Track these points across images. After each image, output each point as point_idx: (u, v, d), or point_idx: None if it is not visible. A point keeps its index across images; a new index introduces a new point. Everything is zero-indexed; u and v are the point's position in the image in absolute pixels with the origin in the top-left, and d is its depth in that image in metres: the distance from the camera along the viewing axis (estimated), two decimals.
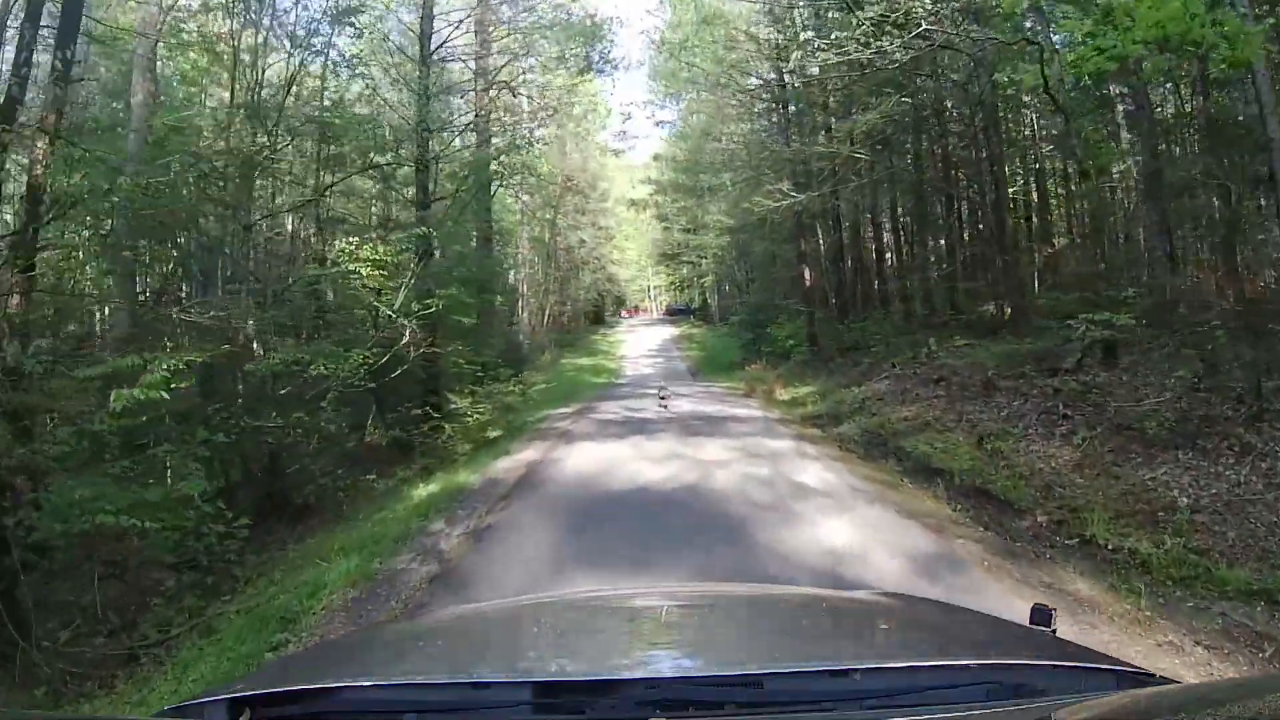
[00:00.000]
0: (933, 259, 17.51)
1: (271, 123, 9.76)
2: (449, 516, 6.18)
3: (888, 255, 19.80)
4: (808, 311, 16.97)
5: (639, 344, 35.09)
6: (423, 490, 7.75)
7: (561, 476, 7.16)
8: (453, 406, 10.92)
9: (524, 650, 1.40)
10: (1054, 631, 1.35)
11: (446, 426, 10.92)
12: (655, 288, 53.64)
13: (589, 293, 39.44)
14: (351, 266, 8.11)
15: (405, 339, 8.75)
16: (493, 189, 19.66)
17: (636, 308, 54.82)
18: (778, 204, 12.07)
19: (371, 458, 11.27)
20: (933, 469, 7.79)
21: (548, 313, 35.36)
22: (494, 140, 18.40)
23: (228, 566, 6.74)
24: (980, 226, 16.89)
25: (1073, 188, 18.32)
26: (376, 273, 8.31)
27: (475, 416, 10.97)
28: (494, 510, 6.15)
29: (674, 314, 46.42)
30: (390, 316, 8.46)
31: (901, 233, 20.22)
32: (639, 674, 1.08)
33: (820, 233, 17.10)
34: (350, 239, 8.40)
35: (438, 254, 17.49)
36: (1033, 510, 6.35)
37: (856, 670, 1.00)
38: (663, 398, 12.60)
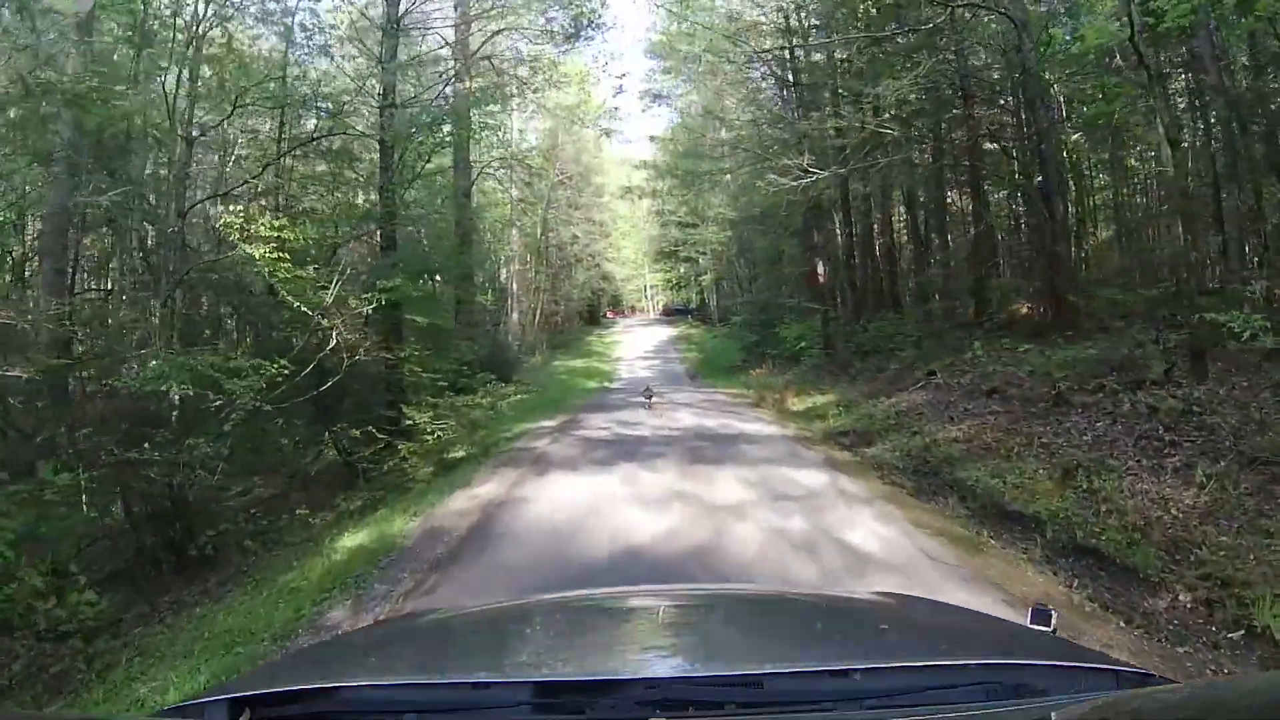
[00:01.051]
0: (961, 253, 15.76)
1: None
2: (356, 598, 4.35)
3: (905, 248, 18.05)
4: (821, 310, 15.14)
5: (635, 345, 33.32)
6: (348, 541, 5.92)
7: (524, 530, 5.32)
8: (410, 422, 9.08)
9: (524, 650, 1.41)
10: (1054, 631, 1.34)
11: (402, 446, 9.09)
12: (652, 287, 51.88)
13: (582, 291, 37.60)
14: (253, 250, 6.20)
15: (334, 343, 6.92)
16: (474, 174, 17.83)
17: (633, 308, 53.05)
18: (795, 182, 10.25)
19: (325, 482, 9.46)
20: (1010, 513, 6.02)
21: (538, 312, 33.54)
22: (474, 117, 16.57)
23: (76, 650, 4.93)
24: (1020, 214, 15.16)
25: (1101, 177, 16.73)
26: (284, 258, 6.41)
27: (435, 434, 9.13)
28: (420, 589, 4.33)
29: (671, 314, 45.07)
30: (309, 314, 6.63)
31: (922, 223, 18.47)
32: (639, 674, 1.08)
33: (836, 222, 15.24)
34: (238, 210, 6.49)
35: (434, 244, 15.83)
36: (1167, 582, 4.56)
37: (856, 670, 0.99)
38: (649, 398, 11.75)
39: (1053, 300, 12.22)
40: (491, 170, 19.37)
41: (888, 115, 11.23)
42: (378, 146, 13.08)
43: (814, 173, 10.22)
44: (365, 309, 7.56)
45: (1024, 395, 8.67)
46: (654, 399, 12.24)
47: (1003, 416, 8.44)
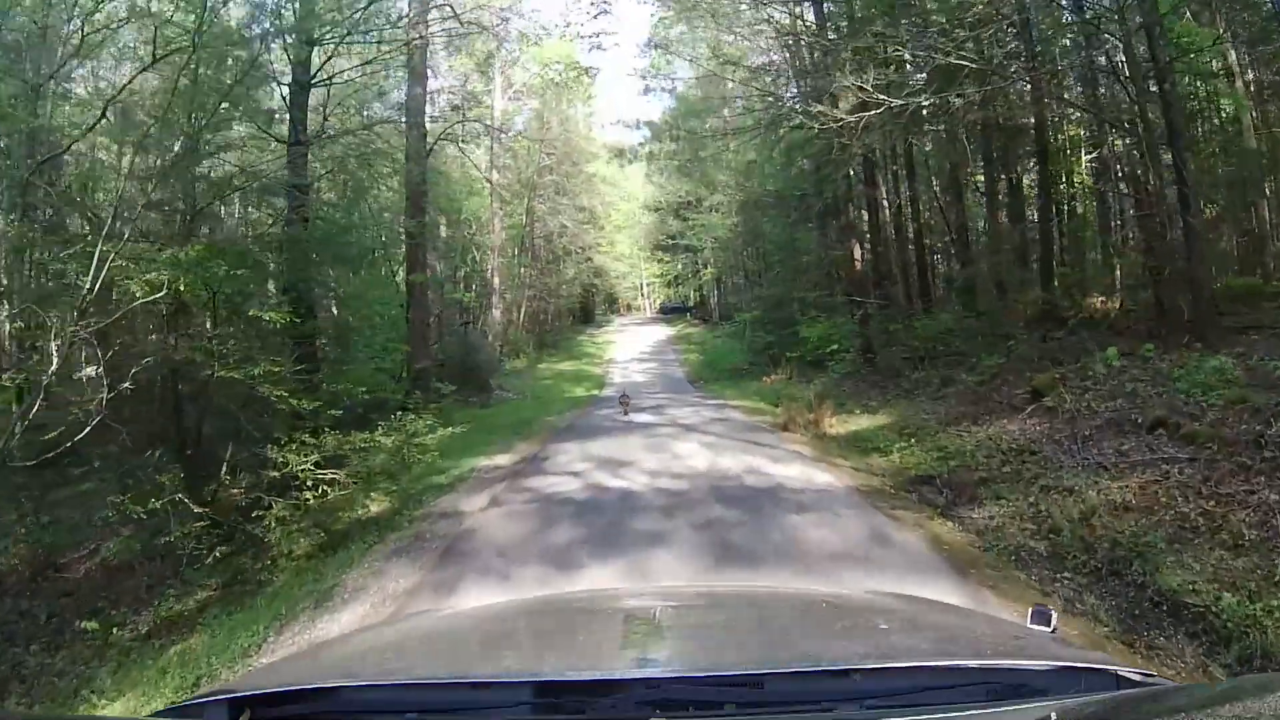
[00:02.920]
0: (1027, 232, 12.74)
1: None
2: None
3: (932, 229, 15.01)
4: (858, 304, 12.02)
5: (630, 346, 30.29)
6: None
7: None
8: (276, 472, 6.04)
9: (524, 650, 1.38)
10: (1054, 631, 1.33)
11: (274, 508, 6.04)
12: (649, 284, 48.88)
13: (572, 286, 34.50)
14: None
15: (55, 365, 3.91)
16: (432, 139, 14.72)
17: (629, 306, 50.05)
18: (842, 119, 7.18)
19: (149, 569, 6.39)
20: None
21: (523, 309, 30.44)
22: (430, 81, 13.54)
23: None
24: (1122, 178, 12.15)
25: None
26: None
27: (319, 489, 6.09)
28: None
29: (669, 312, 42.32)
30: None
31: (977, 197, 15.46)
32: (639, 674, 1.07)
33: (883, 190, 12.02)
34: None
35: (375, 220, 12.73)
36: None
37: (856, 670, 1.00)
38: (624, 403, 10.68)
39: (1169, 291, 9.22)
40: (453, 136, 16.24)
41: (963, 36, 8.17)
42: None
43: (881, 98, 7.15)
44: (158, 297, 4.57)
45: (1215, 434, 5.65)
46: (630, 411, 10.86)
47: (1191, 467, 5.43)
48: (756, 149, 19.52)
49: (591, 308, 42.92)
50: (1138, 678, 1.03)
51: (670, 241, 36.54)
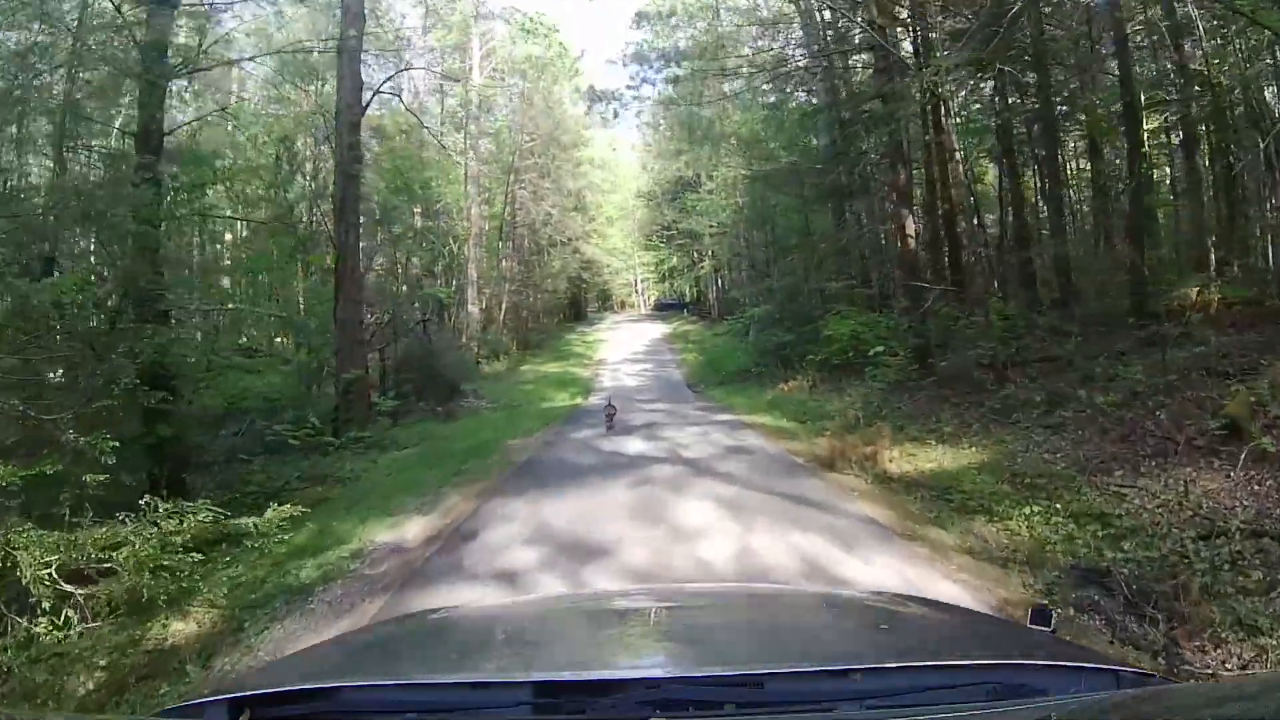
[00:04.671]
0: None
1: None
2: None
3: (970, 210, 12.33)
4: (920, 291, 9.21)
5: (622, 345, 27.62)
6: None
7: None
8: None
9: (524, 650, 1.37)
10: (1054, 631, 1.33)
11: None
12: (643, 280, 46.25)
13: (557, 280, 31.76)
14: None
15: None
16: (368, 96, 11.94)
17: (623, 303, 47.40)
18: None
19: None
20: None
21: (504, 306, 27.69)
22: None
23: None
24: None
25: None
26: None
27: (48, 622, 3.40)
28: None
29: (664, 309, 39.88)
30: None
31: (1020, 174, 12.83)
32: (639, 674, 1.07)
33: (952, 135, 9.04)
34: None
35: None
36: None
37: (856, 670, 0.98)
38: (608, 417, 9.59)
39: None
40: (392, 92, 13.48)
41: None
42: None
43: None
44: None
45: None
46: (615, 428, 9.46)
47: None
48: (764, 124, 16.92)
49: (583, 304, 40.31)
50: (1138, 678, 1.03)
51: (666, 233, 33.90)
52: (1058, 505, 4.99)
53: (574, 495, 5.77)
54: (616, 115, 20.78)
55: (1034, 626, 1.32)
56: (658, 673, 1.06)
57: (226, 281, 13.56)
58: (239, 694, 0.97)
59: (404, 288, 20.12)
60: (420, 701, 0.96)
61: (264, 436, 7.23)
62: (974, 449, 6.76)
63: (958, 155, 8.50)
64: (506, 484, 6.56)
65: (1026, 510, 4.96)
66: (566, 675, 1.04)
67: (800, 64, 14.64)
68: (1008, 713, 0.93)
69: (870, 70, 12.36)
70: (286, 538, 4.72)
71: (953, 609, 2.01)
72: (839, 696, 0.96)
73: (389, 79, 13.11)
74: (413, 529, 5.40)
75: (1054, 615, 1.35)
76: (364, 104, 11.41)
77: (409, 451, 9.76)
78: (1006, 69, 10.96)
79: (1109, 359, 7.57)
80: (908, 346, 9.37)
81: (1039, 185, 14.32)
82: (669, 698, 0.93)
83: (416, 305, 16.02)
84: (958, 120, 9.93)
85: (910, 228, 9.29)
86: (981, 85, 9.53)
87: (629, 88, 13.36)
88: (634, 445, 8.39)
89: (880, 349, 9.52)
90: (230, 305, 9.01)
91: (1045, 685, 0.98)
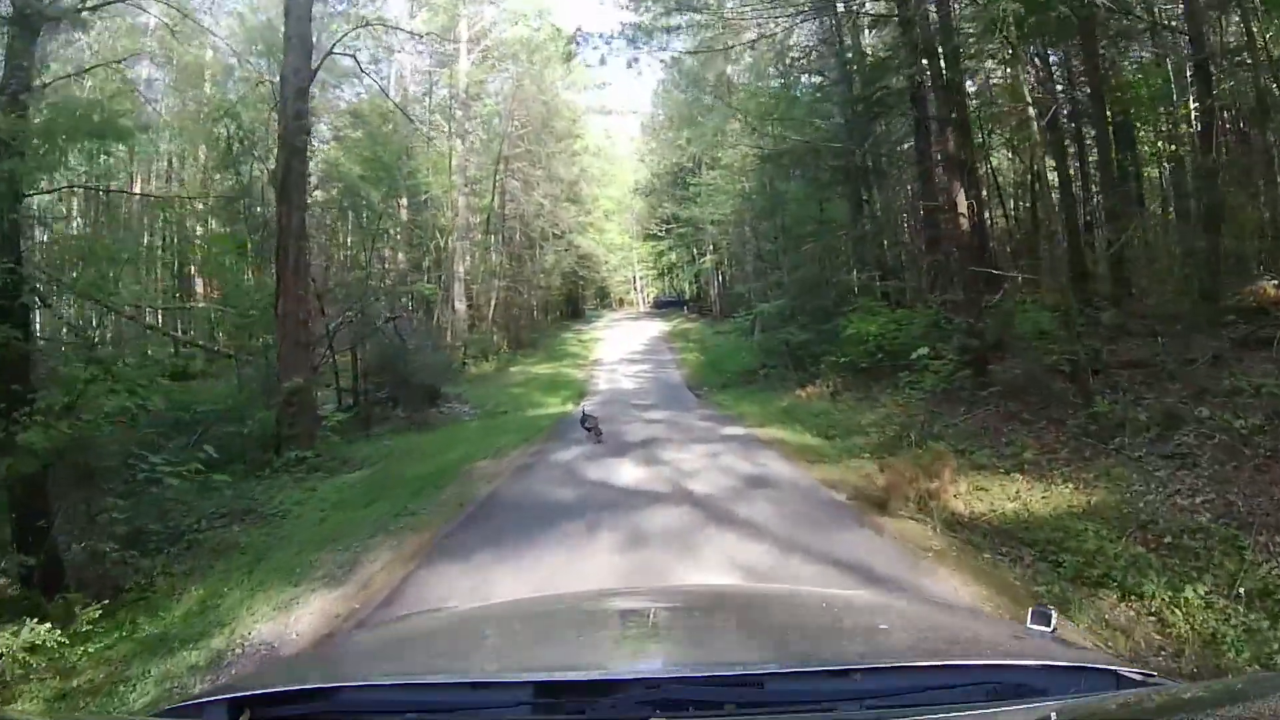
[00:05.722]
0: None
1: None
2: None
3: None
4: (980, 281, 7.54)
5: (620, 343, 26.00)
6: None
7: None
8: None
9: (524, 650, 1.37)
10: (1054, 631, 1.30)
11: None
12: (641, 278, 44.77)
13: (550, 277, 30.11)
14: None
15: None
16: (318, 58, 10.28)
17: (621, 300, 45.83)
18: None
19: None
20: None
21: (493, 303, 26.04)
22: None
23: None
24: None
25: None
26: None
27: None
28: None
29: (663, 306, 38.40)
30: None
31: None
32: (639, 674, 1.05)
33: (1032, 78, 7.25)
34: None
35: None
36: None
37: (856, 670, 0.97)
38: (598, 434, 8.35)
39: None
40: (348, 51, 11.83)
41: None
42: None
43: None
44: None
45: None
46: (604, 441, 8.37)
47: None
48: (774, 97, 15.32)
49: (579, 301, 38.70)
50: (1138, 678, 1.01)
51: (665, 227, 32.30)
52: (1217, 577, 3.42)
53: (537, 563, 4.12)
54: (604, 61, 18.64)
55: (1034, 626, 1.29)
56: (658, 673, 1.06)
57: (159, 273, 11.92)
58: (238, 694, 0.96)
59: (386, 283, 18.54)
60: (420, 701, 0.95)
61: (136, 472, 5.57)
62: (1069, 485, 5.14)
63: (1031, 113, 6.80)
64: (453, 536, 4.90)
65: (1177, 584, 3.37)
66: (566, 675, 1.03)
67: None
68: (1008, 713, 0.92)
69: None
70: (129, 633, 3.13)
71: (953, 609, 2.13)
72: (839, 696, 0.95)
73: (341, 37, 11.46)
74: (307, 614, 3.77)
75: (1054, 615, 1.30)
76: (313, 68, 9.76)
77: (358, 475, 8.14)
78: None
79: (1208, 365, 6.02)
80: (956, 348, 7.75)
81: (1080, 166, 12.78)
82: (669, 698, 0.92)
83: (383, 301, 14.28)
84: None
85: (962, 204, 7.64)
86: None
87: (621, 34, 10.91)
88: (628, 472, 6.77)
89: (924, 350, 7.88)
90: (127, 304, 7.33)
91: (1045, 685, 0.96)
